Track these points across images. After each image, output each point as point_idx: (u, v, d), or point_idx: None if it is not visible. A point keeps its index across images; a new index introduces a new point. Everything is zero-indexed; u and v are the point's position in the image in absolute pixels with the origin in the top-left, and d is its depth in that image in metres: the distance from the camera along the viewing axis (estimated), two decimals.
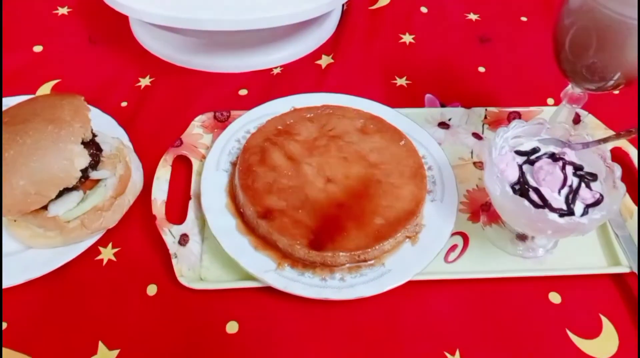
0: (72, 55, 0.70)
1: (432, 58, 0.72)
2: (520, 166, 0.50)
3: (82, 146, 0.49)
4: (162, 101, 0.65)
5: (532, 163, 0.50)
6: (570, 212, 0.47)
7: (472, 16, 0.79)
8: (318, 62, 0.71)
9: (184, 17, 0.61)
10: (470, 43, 0.74)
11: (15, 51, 0.69)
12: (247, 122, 0.60)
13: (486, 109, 0.64)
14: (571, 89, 0.54)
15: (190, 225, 0.52)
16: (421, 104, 0.66)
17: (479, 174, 0.59)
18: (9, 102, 0.62)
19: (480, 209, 0.56)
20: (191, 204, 0.54)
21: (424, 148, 0.58)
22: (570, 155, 0.50)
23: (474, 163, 0.60)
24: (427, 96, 0.67)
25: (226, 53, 0.69)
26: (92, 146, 0.51)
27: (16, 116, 0.49)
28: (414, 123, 0.61)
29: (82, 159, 0.48)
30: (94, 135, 0.52)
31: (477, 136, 0.63)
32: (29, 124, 0.48)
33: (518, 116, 0.64)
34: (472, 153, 0.61)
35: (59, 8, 0.76)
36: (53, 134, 0.47)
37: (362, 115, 0.59)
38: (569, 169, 0.49)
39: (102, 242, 0.52)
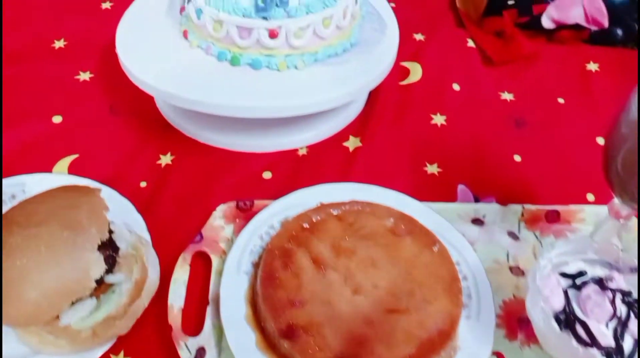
0: (92, 126, 0.68)
1: (464, 143, 0.69)
2: (565, 292, 0.46)
3: (98, 252, 0.46)
4: (183, 183, 0.62)
5: (578, 287, 0.47)
6: (619, 350, 0.43)
7: (507, 96, 0.76)
8: (345, 144, 0.68)
9: (211, 102, 0.59)
10: (505, 127, 0.71)
11: (35, 121, 0.67)
12: (270, 216, 0.57)
13: (523, 207, 0.61)
14: (618, 204, 0.51)
15: (207, 335, 0.49)
16: (453, 196, 0.63)
17: (515, 282, 0.55)
18: (25, 180, 0.60)
19: (517, 324, 0.53)
20: (209, 310, 0.51)
21: (457, 252, 0.55)
22: (619, 280, 0.47)
23: (510, 268, 0.57)
24: (460, 187, 0.64)
25: (251, 132, 0.67)
26: (109, 246, 0.48)
27: (31, 216, 0.47)
28: (447, 223, 0.57)
29: (98, 267, 0.45)
30: (111, 232, 0.50)
31: (513, 235, 0.59)
32: (44, 228, 0.45)
33: (557, 214, 0.61)
34: (507, 255, 0.58)
35: (81, 73, 0.74)
36: (69, 241, 0.45)
37: (392, 213, 0.56)
38: (618, 298, 0.46)
39: (114, 349, 0.49)
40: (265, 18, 0.60)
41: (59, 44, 0.78)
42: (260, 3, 0.60)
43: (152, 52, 0.65)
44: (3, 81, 0.72)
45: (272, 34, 0.61)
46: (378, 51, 0.68)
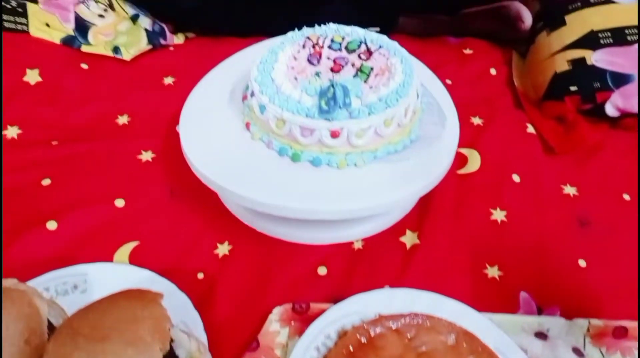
0: (153, 211, 0.69)
1: (526, 243, 0.67)
2: None
3: None
4: (239, 277, 0.63)
5: None
6: None
7: (569, 189, 0.74)
8: (402, 238, 0.67)
9: (271, 203, 0.59)
10: (569, 226, 0.69)
11: (98, 204, 0.69)
12: (327, 325, 0.56)
13: (589, 322, 0.58)
14: None
15: None
16: (515, 305, 0.61)
17: None
18: (87, 270, 0.61)
19: None
20: None
21: None
22: None
23: None
24: (522, 294, 0.62)
25: (308, 224, 0.67)
26: (169, 357, 0.49)
27: (96, 329, 0.47)
28: (509, 340, 0.55)
29: None
30: (172, 340, 0.50)
31: (578, 351, 0.57)
32: (108, 344, 0.46)
33: (624, 330, 0.58)
34: None
35: (143, 152, 0.76)
36: None
37: (454, 329, 0.55)
38: None
39: None
40: (328, 119, 0.61)
41: (123, 120, 0.81)
42: (324, 106, 0.60)
43: (214, 143, 0.66)
44: (71, 158, 0.74)
45: (334, 134, 0.61)
46: (438, 148, 0.67)
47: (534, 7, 0.96)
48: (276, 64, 0.67)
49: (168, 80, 0.87)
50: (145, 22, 0.90)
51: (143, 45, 0.89)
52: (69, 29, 0.87)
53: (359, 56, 0.69)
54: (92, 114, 0.81)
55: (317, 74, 0.66)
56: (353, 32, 0.73)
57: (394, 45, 0.71)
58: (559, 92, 0.83)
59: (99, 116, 0.81)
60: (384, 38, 0.72)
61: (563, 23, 0.88)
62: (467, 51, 0.98)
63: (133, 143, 0.77)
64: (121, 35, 0.88)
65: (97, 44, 0.87)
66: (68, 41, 0.87)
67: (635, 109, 0.80)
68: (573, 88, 0.82)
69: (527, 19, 0.94)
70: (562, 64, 0.84)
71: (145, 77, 0.87)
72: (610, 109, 0.80)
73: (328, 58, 0.69)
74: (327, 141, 0.62)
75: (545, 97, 0.85)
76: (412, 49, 0.97)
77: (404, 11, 0.99)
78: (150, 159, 0.75)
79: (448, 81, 0.92)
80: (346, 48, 0.71)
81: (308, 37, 0.72)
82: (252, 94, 0.66)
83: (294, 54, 0.69)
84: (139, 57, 0.89)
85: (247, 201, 0.60)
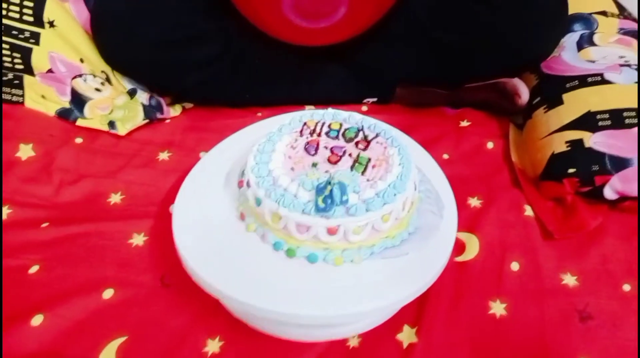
0: (143, 301, 0.67)
1: (526, 340, 0.65)
2: None
3: None
4: None
5: None
6: None
7: (569, 279, 0.72)
8: (399, 336, 0.65)
9: (264, 307, 0.58)
10: (569, 321, 0.67)
11: (86, 295, 0.67)
12: None
13: None
14: None
15: None
16: None
17: None
18: None
19: None
20: None
21: None
22: None
23: None
24: None
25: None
26: None
27: None
28: None
29: None
30: None
31: None
32: None
33: None
34: None
35: (135, 235, 0.74)
36: None
37: None
38: None
39: None
40: (325, 216, 0.60)
41: (116, 198, 0.80)
42: (321, 204, 0.59)
43: (207, 233, 0.65)
44: (60, 243, 0.72)
45: (331, 231, 0.60)
46: (437, 241, 0.66)
47: (531, 81, 0.96)
48: (273, 154, 0.66)
49: (163, 155, 0.86)
50: (142, 96, 0.90)
51: (139, 120, 0.88)
52: (65, 101, 0.87)
53: (357, 145, 0.69)
54: (85, 192, 0.80)
55: (315, 164, 0.65)
56: (351, 118, 0.73)
57: (391, 132, 0.71)
58: (557, 173, 0.82)
59: (91, 194, 0.80)
60: (381, 125, 0.72)
61: (560, 102, 0.88)
62: (464, 123, 0.98)
63: (125, 225, 0.75)
64: (118, 109, 0.88)
65: (93, 117, 0.87)
66: (63, 114, 0.87)
67: (634, 193, 0.79)
68: (571, 170, 0.81)
69: (524, 93, 0.94)
70: (560, 144, 0.84)
71: (140, 153, 0.86)
72: (609, 193, 0.80)
73: (325, 147, 0.68)
74: (323, 237, 0.61)
75: (543, 177, 0.84)
76: (409, 121, 0.99)
77: (403, 82, 0.99)
78: (141, 244, 0.74)
79: (445, 156, 0.92)
80: (343, 136, 0.70)
81: (306, 124, 0.72)
82: (248, 185, 0.65)
83: (292, 142, 0.69)
84: (134, 131, 0.88)
85: (239, 303, 0.59)
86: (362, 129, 0.71)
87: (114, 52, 0.85)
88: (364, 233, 0.61)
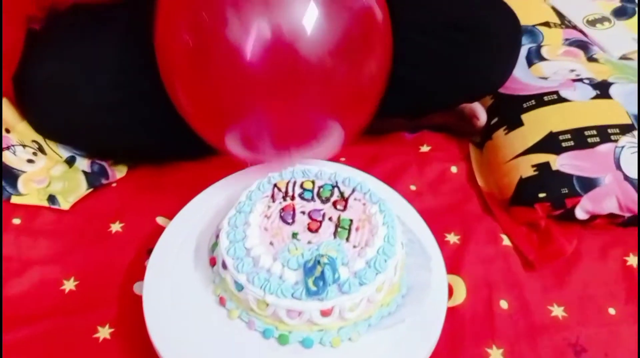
0: None
1: None
2: None
3: None
4: None
5: None
6: None
7: (557, 311, 0.72)
8: None
9: None
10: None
11: None
12: None
13: None
14: None
15: None
16: None
17: None
18: None
19: None
20: None
21: None
22: None
23: None
24: None
25: None
26: None
27: None
28: None
29: None
30: None
31: None
32: None
33: None
34: None
35: (100, 329, 0.67)
36: None
37: None
38: None
39: None
40: (318, 299, 0.55)
41: (69, 285, 0.71)
42: (312, 287, 0.55)
43: (185, 324, 0.59)
44: (15, 349, 0.64)
45: (325, 313, 0.56)
46: (429, 299, 0.63)
47: (487, 101, 0.95)
48: (248, 229, 0.61)
49: (115, 226, 0.78)
50: (82, 163, 0.81)
51: (82, 190, 0.79)
52: None
53: (335, 205, 0.65)
54: (33, 281, 0.71)
55: (295, 234, 0.61)
56: (322, 174, 0.68)
57: (367, 185, 0.67)
58: (527, 198, 0.82)
59: (41, 284, 0.71)
60: (354, 177, 0.68)
61: (520, 123, 0.87)
62: (425, 148, 0.96)
63: (86, 317, 0.67)
64: (56, 181, 0.78)
65: (29, 193, 0.77)
66: None
67: (604, 212, 0.80)
68: (542, 195, 0.80)
69: (482, 115, 0.93)
70: (526, 168, 0.83)
71: (89, 227, 0.77)
72: (580, 213, 0.80)
73: (303, 212, 0.64)
74: (317, 320, 0.56)
75: (513, 202, 0.84)
76: (371, 151, 0.95)
77: None
78: (108, 337, 0.66)
79: (412, 187, 0.89)
80: (319, 196, 0.66)
81: (276, 186, 0.67)
82: (225, 266, 0.59)
83: (265, 211, 0.64)
84: (78, 202, 0.79)
85: None
86: (336, 185, 0.67)
87: (46, 120, 0.76)
88: (360, 308, 0.58)
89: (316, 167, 0.69)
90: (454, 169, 0.93)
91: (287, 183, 0.67)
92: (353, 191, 0.66)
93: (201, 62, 0.62)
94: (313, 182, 0.67)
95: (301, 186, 0.67)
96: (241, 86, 0.62)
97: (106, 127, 0.77)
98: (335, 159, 0.91)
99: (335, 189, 0.67)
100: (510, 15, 0.83)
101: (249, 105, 0.64)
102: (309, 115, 0.66)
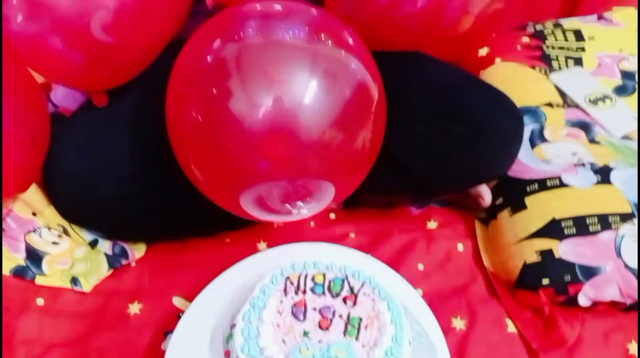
0: None
1: None
2: None
3: None
4: None
5: None
6: None
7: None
8: None
9: None
10: None
11: None
12: None
13: None
14: None
15: None
16: None
17: None
18: None
19: None
20: None
21: None
22: None
23: None
24: None
25: None
26: None
27: None
28: None
29: None
30: None
31: None
32: None
33: None
34: None
35: None
36: None
37: None
38: None
39: None
40: None
41: None
42: None
43: None
44: None
45: None
46: None
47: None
48: (262, 326, 0.64)
49: (134, 308, 0.81)
50: (104, 246, 0.85)
51: (104, 271, 0.83)
52: (20, 259, 0.81)
53: (345, 301, 0.68)
54: None
55: (306, 333, 0.64)
56: (333, 266, 0.72)
57: (376, 280, 0.70)
58: (531, 283, 0.84)
59: None
60: (363, 271, 0.71)
61: (524, 206, 0.91)
62: (431, 224, 0.99)
63: None
64: (79, 262, 0.82)
65: (52, 274, 0.81)
66: (19, 272, 0.80)
67: (606, 298, 0.82)
68: (545, 281, 0.83)
69: (487, 196, 0.96)
70: (530, 254, 0.86)
71: (109, 309, 0.81)
72: (583, 300, 0.82)
73: (314, 309, 0.67)
74: None
75: (518, 285, 0.86)
76: (378, 227, 0.99)
77: (367, 193, 0.99)
78: None
79: (420, 266, 0.92)
80: (329, 290, 0.69)
81: (288, 279, 0.70)
82: None
83: (278, 306, 0.67)
84: (99, 284, 0.83)
85: None
86: (346, 279, 0.70)
87: (70, 209, 0.81)
88: None
89: (327, 261, 0.72)
90: (460, 247, 0.95)
91: (299, 276, 0.70)
92: (362, 285, 0.69)
93: (210, 134, 0.66)
94: (324, 275, 0.70)
95: (312, 279, 0.70)
96: (247, 154, 0.65)
97: (127, 215, 0.81)
98: (345, 234, 0.95)
99: (345, 283, 0.70)
100: (510, 107, 0.87)
101: (255, 171, 0.67)
102: (308, 178, 0.70)
